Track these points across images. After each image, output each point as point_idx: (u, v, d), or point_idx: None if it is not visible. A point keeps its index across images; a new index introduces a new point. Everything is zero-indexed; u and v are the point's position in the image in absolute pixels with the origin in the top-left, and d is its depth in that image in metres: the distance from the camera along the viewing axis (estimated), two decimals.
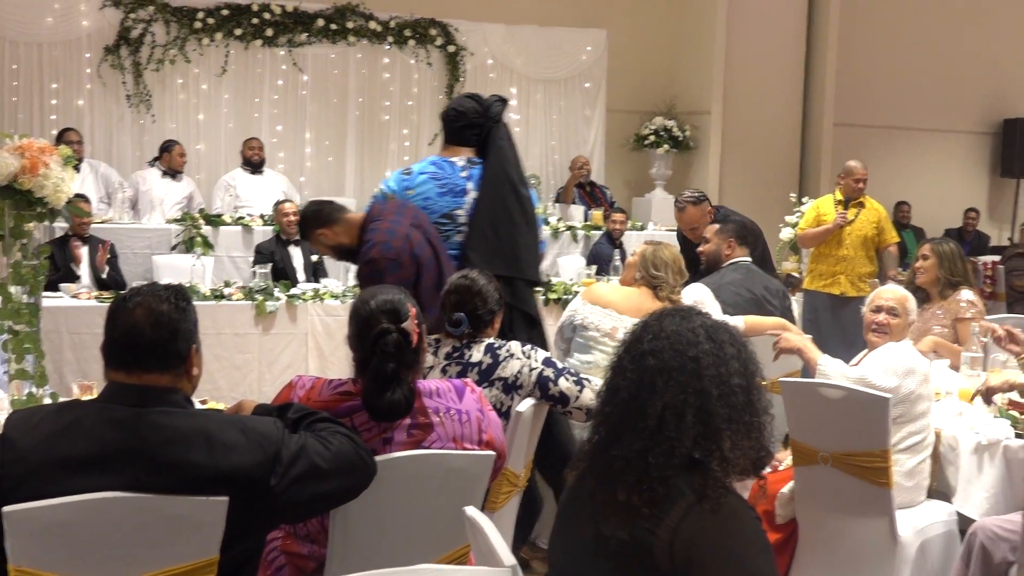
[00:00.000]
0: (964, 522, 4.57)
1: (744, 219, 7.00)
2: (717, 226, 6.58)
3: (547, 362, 4.15)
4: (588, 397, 4.06)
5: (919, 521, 4.55)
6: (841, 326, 8.37)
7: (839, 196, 8.87)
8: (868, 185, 10.78)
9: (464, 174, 4.81)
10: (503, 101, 5.05)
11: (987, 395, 4.67)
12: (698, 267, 6.52)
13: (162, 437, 2.66)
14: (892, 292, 4.99)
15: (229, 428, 2.74)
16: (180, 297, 2.80)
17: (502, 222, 4.78)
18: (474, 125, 4.90)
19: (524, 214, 4.86)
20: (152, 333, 2.71)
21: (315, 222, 4.77)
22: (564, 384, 4.10)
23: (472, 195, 4.77)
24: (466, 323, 4.15)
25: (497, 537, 2.53)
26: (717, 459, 2.36)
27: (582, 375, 4.20)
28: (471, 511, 2.68)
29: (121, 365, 2.73)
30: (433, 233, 4.69)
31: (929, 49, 13.88)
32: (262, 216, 9.73)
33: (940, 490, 4.81)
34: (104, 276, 8.50)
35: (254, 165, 10.53)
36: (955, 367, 5.67)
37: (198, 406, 3.41)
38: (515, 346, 4.17)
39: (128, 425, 2.66)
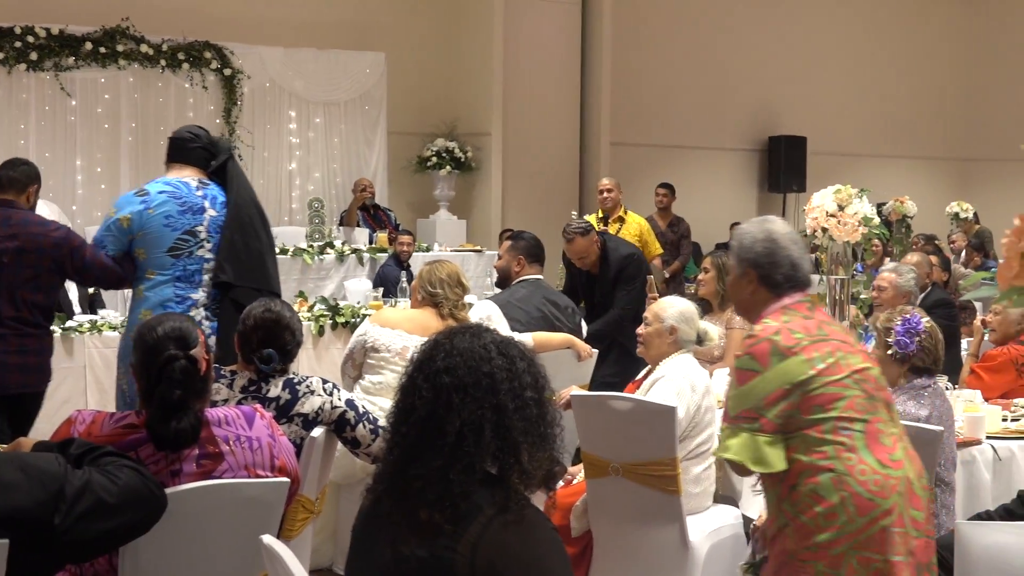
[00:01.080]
0: (749, 524, 4.74)
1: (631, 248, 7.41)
2: (509, 243, 6.66)
3: (350, 404, 4.12)
4: (379, 446, 4.02)
5: (708, 525, 4.70)
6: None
7: (600, 213, 9.17)
8: (643, 202, 11.17)
9: (199, 193, 4.92)
10: (230, 142, 5.45)
11: None
12: (591, 296, 6.88)
13: None
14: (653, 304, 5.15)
15: (6, 466, 2.61)
16: None
17: (251, 240, 4.97)
18: (206, 148, 5.09)
19: (267, 234, 5.12)
20: None
21: None
22: (360, 431, 4.09)
23: (210, 213, 4.91)
24: (277, 359, 4.05)
25: (296, 564, 2.49)
26: (517, 472, 2.41)
27: (379, 424, 4.13)
28: (268, 539, 2.63)
29: None
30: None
31: (698, 69, 14.49)
32: None
33: (726, 495, 4.98)
34: None
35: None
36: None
37: None
38: (316, 382, 4.10)
39: None
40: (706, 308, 6.38)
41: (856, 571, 3.01)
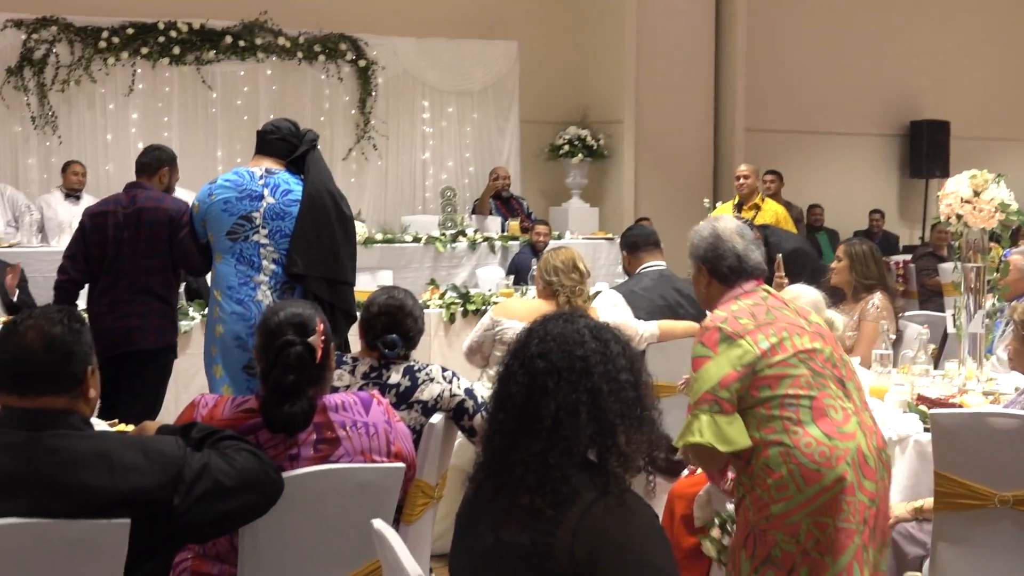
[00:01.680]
0: None
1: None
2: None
3: (469, 392, 4.15)
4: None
5: None
6: None
7: (736, 200, 9.04)
8: (782, 188, 10.95)
9: (261, 182, 5.18)
10: (316, 135, 5.59)
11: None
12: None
13: (58, 461, 2.61)
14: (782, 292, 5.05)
15: (129, 449, 2.70)
16: (73, 319, 2.74)
17: (323, 229, 5.15)
18: (286, 140, 5.31)
19: (342, 222, 5.26)
20: (45, 356, 2.67)
21: None
22: (478, 420, 4.09)
23: (268, 200, 5.14)
24: (400, 344, 4.11)
25: (403, 549, 2.52)
26: (615, 455, 2.41)
27: None
28: (378, 523, 2.67)
29: (14, 389, 2.68)
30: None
31: (836, 53, 14.13)
32: None
33: None
34: (15, 300, 8.32)
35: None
36: (866, 365, 5.75)
37: (107, 429, 3.37)
38: (435, 370, 4.15)
39: (22, 450, 2.61)
40: (839, 297, 6.27)
41: (812, 534, 3.25)
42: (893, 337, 5.79)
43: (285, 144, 5.30)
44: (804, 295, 4.89)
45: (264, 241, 5.11)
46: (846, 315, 6.06)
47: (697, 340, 3.42)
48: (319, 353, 3.25)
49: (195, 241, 5.45)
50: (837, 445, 3.26)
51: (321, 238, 5.13)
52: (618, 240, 6.56)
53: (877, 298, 6.22)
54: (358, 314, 5.18)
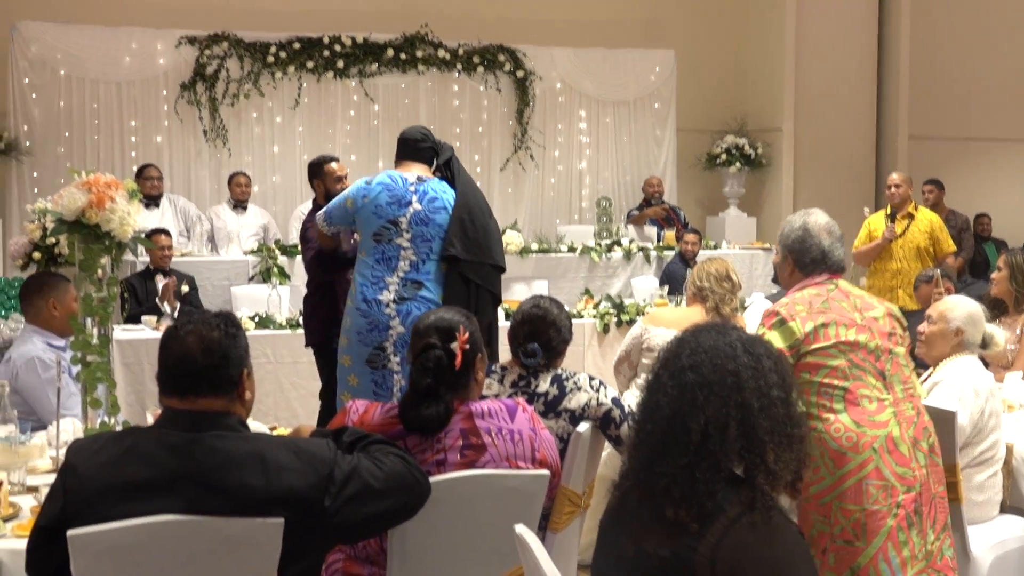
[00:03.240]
0: None
1: None
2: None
3: (616, 402, 4.15)
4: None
5: (992, 537, 4.48)
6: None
7: (889, 210, 8.83)
8: (946, 197, 10.62)
9: (412, 188, 5.39)
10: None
11: None
12: None
13: (217, 460, 2.72)
14: (939, 303, 4.93)
15: (282, 450, 2.79)
16: (230, 323, 2.86)
17: (478, 219, 5.42)
18: (433, 148, 5.60)
19: (490, 211, 5.58)
20: (204, 359, 2.78)
21: None
22: (625, 430, 4.08)
23: (415, 207, 5.35)
24: (540, 354, 4.14)
25: (544, 554, 2.55)
26: (763, 472, 2.38)
27: None
28: (521, 529, 2.70)
29: (175, 391, 2.81)
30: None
31: (1003, 56, 13.60)
32: None
33: (1014, 505, 4.73)
34: (175, 314, 8.62)
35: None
36: None
37: (266, 432, 3.49)
38: (583, 378, 4.17)
39: (183, 450, 2.73)
40: (1001, 309, 6.08)
41: (840, 521, 3.55)
42: None
43: (431, 152, 5.55)
44: (961, 307, 4.76)
45: (405, 245, 5.32)
46: (1007, 328, 5.88)
47: (760, 323, 3.79)
48: (459, 359, 3.31)
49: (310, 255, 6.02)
50: (865, 432, 3.56)
51: (476, 226, 5.39)
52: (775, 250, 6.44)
53: None
54: (500, 295, 5.67)
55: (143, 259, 8.77)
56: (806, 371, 3.63)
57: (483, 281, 5.39)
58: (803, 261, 3.85)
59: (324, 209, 5.64)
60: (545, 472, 3.35)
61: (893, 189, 8.84)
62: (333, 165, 6.51)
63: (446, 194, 5.40)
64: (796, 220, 3.93)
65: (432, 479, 3.08)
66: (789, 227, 3.92)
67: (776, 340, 3.61)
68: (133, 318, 8.32)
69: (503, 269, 5.56)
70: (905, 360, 3.79)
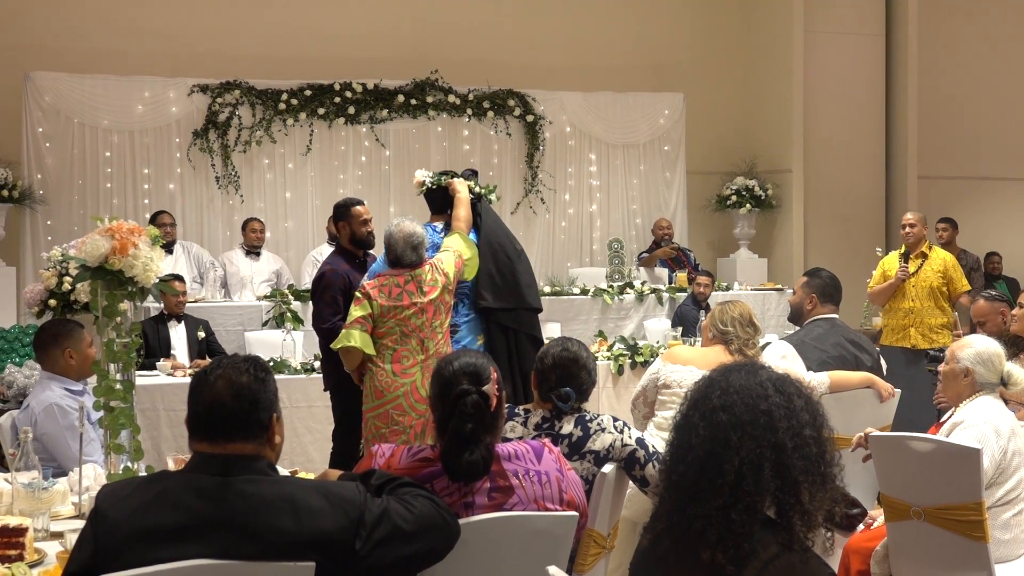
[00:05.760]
0: None
1: None
2: (805, 279, 6.49)
3: (640, 442, 4.14)
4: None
5: (1020, 575, 4.44)
6: (914, 380, 8.02)
7: (903, 249, 8.85)
8: (958, 237, 10.62)
9: (441, 235, 6.09)
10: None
11: None
12: None
13: (248, 505, 2.72)
14: (955, 342, 4.91)
15: (313, 494, 2.79)
16: (259, 368, 2.87)
17: (502, 263, 5.82)
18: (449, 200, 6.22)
19: (518, 253, 6.01)
20: (234, 404, 2.78)
21: None
22: (650, 471, 4.07)
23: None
24: (574, 397, 4.14)
25: None
26: (798, 512, 2.36)
27: None
28: (553, 570, 2.69)
29: (205, 436, 2.80)
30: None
31: (1011, 95, 13.65)
32: None
33: None
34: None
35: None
36: None
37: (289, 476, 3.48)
38: (607, 420, 4.16)
39: (214, 494, 2.72)
40: (1020, 346, 6.07)
41: (371, 429, 5.65)
42: None
43: (448, 203, 6.16)
44: (971, 346, 4.73)
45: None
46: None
47: None
48: (494, 401, 3.31)
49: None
50: (397, 380, 5.62)
51: (503, 273, 5.75)
52: (789, 291, 6.44)
53: None
54: (544, 338, 5.91)
55: (156, 305, 8.78)
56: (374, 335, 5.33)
57: (519, 326, 5.64)
58: None
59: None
60: (573, 513, 3.34)
61: (908, 229, 8.86)
62: (360, 208, 6.56)
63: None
64: None
65: (461, 521, 3.07)
66: None
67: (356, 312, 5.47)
68: (146, 364, 8.32)
69: (539, 309, 5.79)
70: None
